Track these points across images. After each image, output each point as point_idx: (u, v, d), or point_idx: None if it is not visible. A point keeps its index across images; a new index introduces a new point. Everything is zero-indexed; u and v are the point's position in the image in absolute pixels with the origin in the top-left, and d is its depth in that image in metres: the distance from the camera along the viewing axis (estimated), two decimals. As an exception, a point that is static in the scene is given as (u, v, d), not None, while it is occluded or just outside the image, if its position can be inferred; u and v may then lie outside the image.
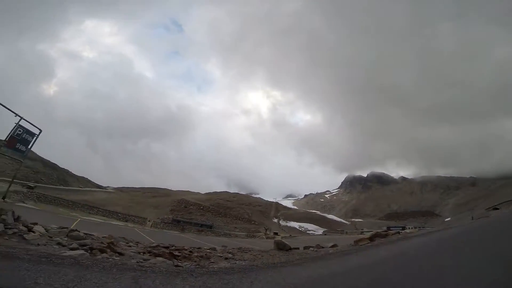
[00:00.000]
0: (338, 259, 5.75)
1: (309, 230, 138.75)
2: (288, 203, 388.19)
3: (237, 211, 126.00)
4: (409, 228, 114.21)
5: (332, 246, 12.52)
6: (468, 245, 6.64)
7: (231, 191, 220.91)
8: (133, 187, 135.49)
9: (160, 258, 6.12)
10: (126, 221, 48.48)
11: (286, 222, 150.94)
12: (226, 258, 7.71)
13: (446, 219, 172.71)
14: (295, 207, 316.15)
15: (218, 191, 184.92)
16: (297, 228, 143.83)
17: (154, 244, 8.12)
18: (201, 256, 7.25)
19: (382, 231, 16.45)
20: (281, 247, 10.51)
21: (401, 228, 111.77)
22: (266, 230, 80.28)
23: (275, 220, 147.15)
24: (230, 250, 9.69)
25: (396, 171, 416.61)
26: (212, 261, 7.06)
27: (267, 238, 69.20)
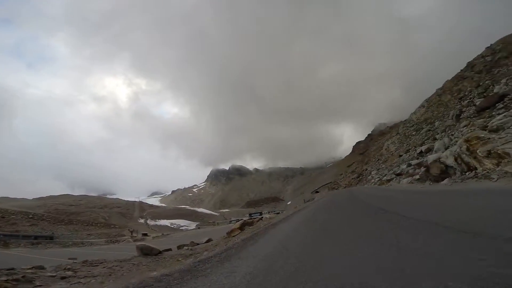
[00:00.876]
0: (219, 272, 4.14)
1: (182, 226, 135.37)
2: (154, 201, 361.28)
3: (88, 215, 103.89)
4: (265, 213, 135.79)
5: (207, 241, 12.43)
6: (331, 225, 7.32)
7: (76, 193, 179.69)
8: None
9: None
10: None
11: (155, 221, 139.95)
12: (63, 278, 5.69)
13: (288, 203, 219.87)
14: (163, 205, 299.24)
15: (55, 194, 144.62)
16: (169, 225, 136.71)
17: None
18: (16, 280, 4.96)
19: (248, 219, 18.13)
20: (147, 252, 8.91)
21: (259, 214, 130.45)
22: (131, 232, 70.93)
23: (142, 221, 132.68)
24: (70, 266, 7.23)
25: (251, 163, 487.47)
26: (37, 284, 5.01)
27: (134, 241, 60.98)
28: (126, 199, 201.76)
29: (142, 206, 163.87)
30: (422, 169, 16.19)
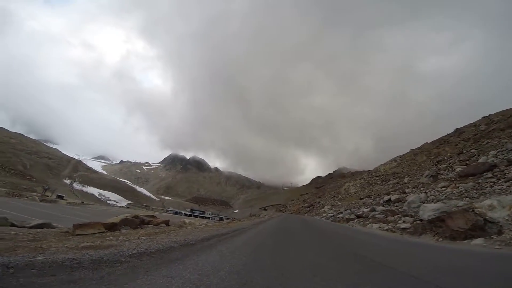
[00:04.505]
0: None
1: (110, 200, 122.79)
2: (96, 165, 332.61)
3: (6, 157, 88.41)
4: (207, 213, 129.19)
5: (37, 226, 7.16)
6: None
7: (13, 130, 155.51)
8: None
9: None
10: None
11: (84, 186, 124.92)
12: None
13: (235, 211, 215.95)
14: (104, 172, 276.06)
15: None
16: (96, 195, 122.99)
17: None
18: None
19: (146, 216, 11.44)
20: None
21: (201, 213, 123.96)
22: (45, 190, 60.39)
23: (67, 181, 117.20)
24: None
25: (213, 161, 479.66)
26: None
27: (42, 201, 52.07)
28: (65, 153, 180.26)
29: (77, 166, 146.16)
30: (407, 218, 13.45)
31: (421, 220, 10.66)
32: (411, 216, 13.40)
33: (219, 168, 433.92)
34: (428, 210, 9.89)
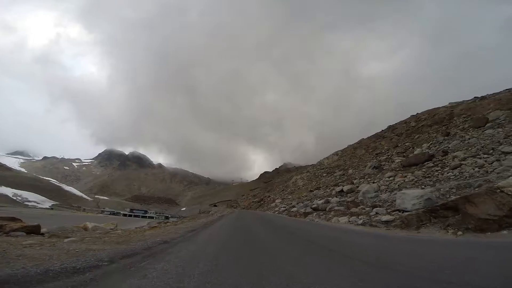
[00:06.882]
0: None
1: (30, 201, 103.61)
2: (13, 162, 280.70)
3: None
4: (150, 212, 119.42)
5: None
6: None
7: None
8: None
9: None
10: None
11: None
12: None
13: (183, 209, 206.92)
14: (23, 169, 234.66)
15: None
16: (10, 196, 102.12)
17: None
18: None
19: None
20: None
21: (143, 212, 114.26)
22: None
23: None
24: None
25: (156, 157, 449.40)
26: None
27: None
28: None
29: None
30: (379, 209, 12.22)
31: (399, 210, 10.17)
32: (379, 206, 13.17)
33: (163, 164, 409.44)
34: (411, 198, 9.33)
